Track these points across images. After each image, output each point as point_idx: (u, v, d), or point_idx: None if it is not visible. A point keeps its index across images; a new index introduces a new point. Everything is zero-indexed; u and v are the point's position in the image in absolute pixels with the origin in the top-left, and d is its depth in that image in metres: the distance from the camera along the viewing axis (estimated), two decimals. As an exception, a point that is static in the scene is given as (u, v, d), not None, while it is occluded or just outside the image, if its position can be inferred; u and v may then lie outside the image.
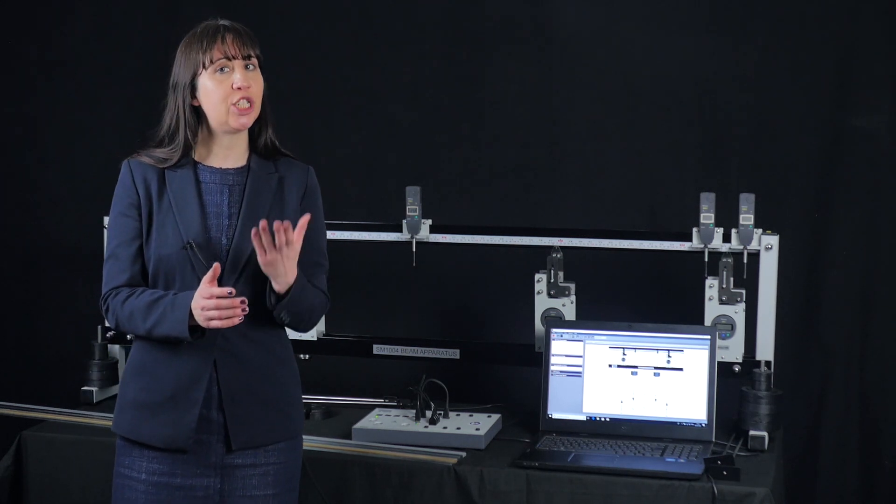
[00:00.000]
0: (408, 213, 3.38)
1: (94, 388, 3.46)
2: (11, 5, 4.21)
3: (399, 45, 3.93)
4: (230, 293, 2.29)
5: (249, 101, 2.42)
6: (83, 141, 4.18)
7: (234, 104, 2.40)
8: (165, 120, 2.48)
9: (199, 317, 2.30)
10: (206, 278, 2.30)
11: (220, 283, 2.36)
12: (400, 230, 3.40)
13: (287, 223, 2.33)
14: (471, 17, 3.88)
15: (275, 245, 2.32)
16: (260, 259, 2.35)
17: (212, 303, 2.28)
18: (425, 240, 3.39)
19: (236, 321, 2.31)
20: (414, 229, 3.38)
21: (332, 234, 3.40)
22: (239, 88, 2.40)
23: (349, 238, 3.45)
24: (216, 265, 2.30)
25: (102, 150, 4.09)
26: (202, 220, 2.43)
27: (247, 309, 2.31)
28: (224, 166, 2.49)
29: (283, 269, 2.35)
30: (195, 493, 2.43)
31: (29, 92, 4.24)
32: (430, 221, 3.39)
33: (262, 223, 2.32)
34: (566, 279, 3.32)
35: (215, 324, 2.30)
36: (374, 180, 3.95)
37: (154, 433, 2.42)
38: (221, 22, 2.45)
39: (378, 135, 3.97)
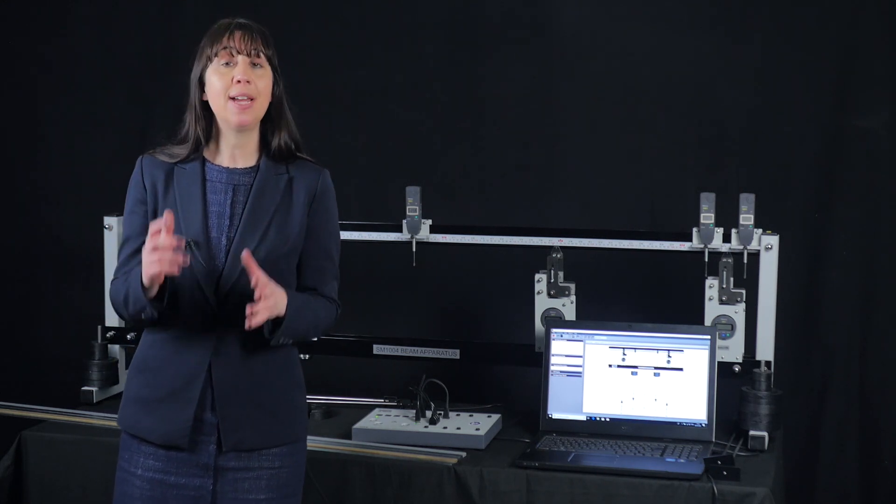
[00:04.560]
0: (408, 213, 3.37)
1: (94, 388, 3.45)
2: (11, 5, 4.21)
3: (399, 44, 3.93)
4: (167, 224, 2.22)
5: (250, 97, 2.40)
6: (83, 141, 4.17)
7: (233, 98, 2.39)
8: (184, 116, 2.49)
9: (146, 270, 2.25)
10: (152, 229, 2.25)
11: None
12: (400, 230, 3.40)
13: (246, 253, 2.29)
14: (470, 16, 3.87)
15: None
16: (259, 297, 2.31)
17: (150, 245, 2.23)
18: (425, 240, 3.39)
19: (177, 261, 2.23)
20: (414, 229, 3.38)
21: (332, 234, 3.41)
22: (238, 82, 2.38)
23: (349, 238, 3.43)
24: (168, 212, 2.25)
25: (102, 150, 4.09)
26: (204, 219, 2.42)
27: (181, 247, 2.24)
28: (233, 166, 2.48)
29: (273, 303, 2.33)
30: (188, 493, 2.43)
31: (29, 92, 4.24)
32: (430, 221, 3.38)
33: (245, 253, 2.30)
34: (566, 279, 3.32)
35: (155, 268, 2.23)
36: (374, 180, 3.95)
37: (152, 428, 2.43)
38: (236, 20, 2.44)
39: (378, 135, 3.96)
